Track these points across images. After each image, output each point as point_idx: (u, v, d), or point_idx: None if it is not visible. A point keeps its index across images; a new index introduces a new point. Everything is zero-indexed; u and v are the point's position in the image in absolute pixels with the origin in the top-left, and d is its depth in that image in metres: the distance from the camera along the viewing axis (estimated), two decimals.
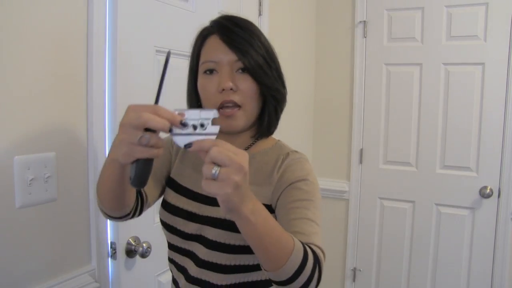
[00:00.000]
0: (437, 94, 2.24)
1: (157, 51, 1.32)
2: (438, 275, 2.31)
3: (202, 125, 0.60)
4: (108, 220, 1.20)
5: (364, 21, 2.38)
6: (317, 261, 0.69)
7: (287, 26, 2.22)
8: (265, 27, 1.91)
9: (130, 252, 1.25)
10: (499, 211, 2.14)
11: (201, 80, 0.85)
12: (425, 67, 2.26)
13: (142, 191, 0.90)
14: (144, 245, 1.26)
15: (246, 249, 0.80)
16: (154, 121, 0.57)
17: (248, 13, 1.81)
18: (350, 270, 2.53)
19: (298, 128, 2.41)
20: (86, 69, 1.12)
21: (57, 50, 1.04)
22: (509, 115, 2.08)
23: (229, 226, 0.81)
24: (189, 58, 0.91)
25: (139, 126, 0.58)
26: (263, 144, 0.92)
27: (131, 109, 0.60)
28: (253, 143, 0.91)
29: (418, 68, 2.28)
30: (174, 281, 0.96)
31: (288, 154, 0.88)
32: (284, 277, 0.66)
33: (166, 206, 0.93)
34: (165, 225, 0.93)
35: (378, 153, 2.41)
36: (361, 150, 2.46)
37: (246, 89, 0.82)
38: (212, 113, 0.60)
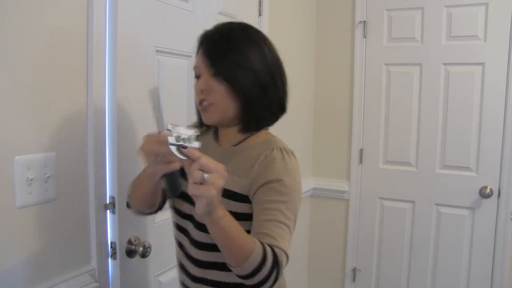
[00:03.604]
0: (437, 94, 2.24)
1: (157, 51, 1.32)
2: (438, 275, 2.31)
3: (189, 140, 0.74)
4: (108, 220, 1.20)
5: (364, 21, 2.38)
6: (276, 264, 0.80)
7: (287, 26, 2.22)
8: (265, 27, 1.91)
9: (130, 252, 1.25)
10: (499, 211, 2.14)
11: (194, 84, 1.00)
12: (425, 67, 2.26)
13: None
14: (145, 245, 1.25)
15: None
16: (152, 148, 0.76)
17: (248, 13, 1.81)
18: (350, 270, 2.53)
19: (298, 128, 2.41)
20: (86, 69, 1.12)
21: (57, 50, 1.04)
22: (509, 115, 2.08)
23: None
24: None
25: (148, 154, 0.77)
26: (256, 139, 0.99)
27: (143, 139, 0.78)
28: (245, 138, 0.99)
29: (418, 68, 2.28)
30: (177, 254, 1.09)
31: (272, 150, 0.94)
32: (243, 273, 0.79)
33: None
34: (170, 204, 1.07)
35: (378, 153, 2.41)
36: (361, 150, 2.46)
37: (217, 90, 0.94)
38: (193, 132, 0.75)
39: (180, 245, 1.04)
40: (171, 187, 0.81)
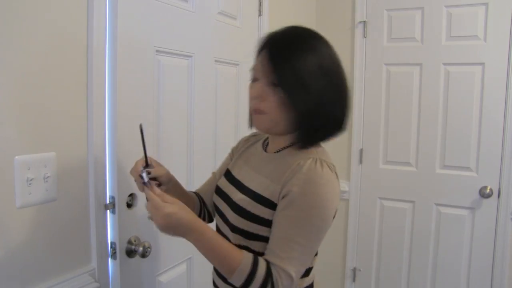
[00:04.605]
0: (437, 94, 2.24)
1: (157, 51, 1.32)
2: (438, 275, 2.31)
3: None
4: (108, 220, 1.20)
5: (364, 21, 2.38)
6: (268, 280, 0.82)
7: None
8: (265, 27, 1.91)
9: (130, 252, 1.25)
10: (499, 211, 2.14)
11: (249, 85, 0.96)
12: (425, 67, 2.26)
13: (200, 199, 1.15)
14: (145, 245, 1.25)
15: (258, 220, 0.91)
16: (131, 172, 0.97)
17: (248, 13, 1.81)
18: (350, 270, 2.53)
19: None
20: (86, 69, 1.12)
21: (58, 50, 1.04)
22: (509, 115, 2.08)
23: (243, 213, 0.92)
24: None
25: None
26: (298, 147, 0.94)
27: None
28: (289, 145, 0.95)
29: (418, 68, 2.28)
30: None
31: (307, 159, 0.88)
32: (236, 284, 0.85)
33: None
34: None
35: (378, 153, 2.41)
36: (361, 150, 2.46)
37: (271, 100, 0.88)
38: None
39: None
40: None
